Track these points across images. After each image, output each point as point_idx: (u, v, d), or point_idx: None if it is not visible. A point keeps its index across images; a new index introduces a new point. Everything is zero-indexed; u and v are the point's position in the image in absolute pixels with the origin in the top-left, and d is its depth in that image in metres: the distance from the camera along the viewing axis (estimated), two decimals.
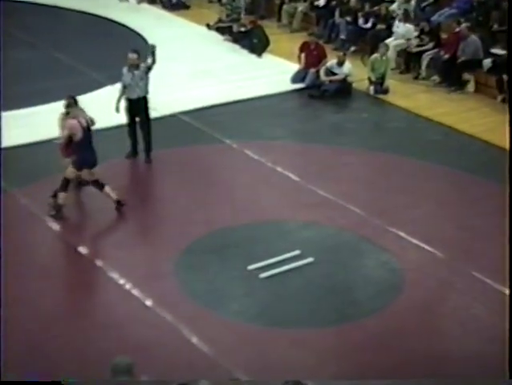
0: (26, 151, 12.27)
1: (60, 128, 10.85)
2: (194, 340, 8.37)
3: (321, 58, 15.83)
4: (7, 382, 7.01)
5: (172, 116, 13.92)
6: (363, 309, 9.08)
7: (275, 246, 10.10)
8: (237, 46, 17.88)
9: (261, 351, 8.30)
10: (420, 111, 14.53)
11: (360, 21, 17.74)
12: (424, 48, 16.27)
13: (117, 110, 12.11)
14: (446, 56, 15.69)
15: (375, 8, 17.83)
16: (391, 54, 16.12)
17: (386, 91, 15.35)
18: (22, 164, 11.95)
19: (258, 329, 8.67)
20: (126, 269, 9.57)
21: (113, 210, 10.70)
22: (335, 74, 15.36)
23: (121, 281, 9.34)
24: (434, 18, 17.17)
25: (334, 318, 8.88)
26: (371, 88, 15.36)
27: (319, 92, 15.21)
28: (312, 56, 15.84)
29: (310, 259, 9.85)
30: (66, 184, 10.44)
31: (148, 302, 8.98)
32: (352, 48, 17.42)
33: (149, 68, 11.97)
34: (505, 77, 14.43)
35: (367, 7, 17.96)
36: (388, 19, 17.28)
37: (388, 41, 16.42)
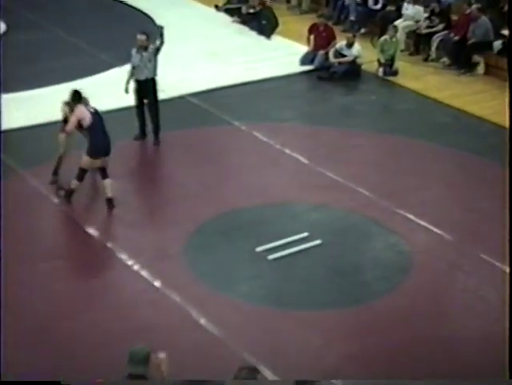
0: (35, 132, 12.27)
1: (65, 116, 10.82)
2: (202, 321, 8.40)
3: (330, 39, 15.76)
4: (7, 382, 7.05)
5: (181, 98, 13.90)
6: (371, 291, 9.09)
7: (284, 228, 10.11)
8: (245, 28, 17.81)
9: (269, 333, 8.33)
10: (429, 93, 14.47)
11: (370, 2, 17.62)
12: (434, 30, 16.18)
13: (126, 91, 12.12)
14: (456, 38, 15.61)
15: None
16: (400, 35, 16.04)
17: (395, 73, 15.28)
18: (31, 144, 11.97)
19: (265, 310, 8.70)
20: (135, 250, 9.60)
21: (122, 192, 10.72)
22: (344, 55, 15.30)
23: (130, 262, 9.38)
24: None
25: (341, 300, 8.90)
26: (381, 70, 15.30)
27: (328, 74, 15.16)
28: (321, 38, 15.77)
29: (318, 241, 9.86)
30: (82, 175, 10.33)
31: (157, 283, 9.01)
32: (362, 30, 17.32)
33: (158, 50, 11.97)
34: None
35: None
36: (398, 1, 17.16)
37: (397, 22, 16.32)
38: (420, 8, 16.61)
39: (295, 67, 15.51)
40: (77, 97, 10.52)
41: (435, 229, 10.18)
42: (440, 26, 16.16)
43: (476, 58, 15.38)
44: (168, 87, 13.40)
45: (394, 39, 15.48)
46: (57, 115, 11.24)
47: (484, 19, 15.40)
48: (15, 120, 12.39)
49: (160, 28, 12.07)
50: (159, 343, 7.72)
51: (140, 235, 10.01)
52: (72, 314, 8.51)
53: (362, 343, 8.21)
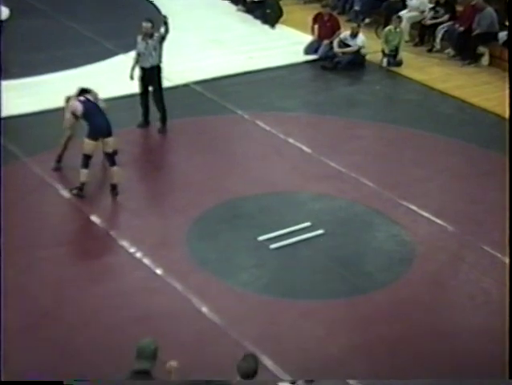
0: (38, 119, 12.25)
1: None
2: (204, 309, 8.40)
3: (334, 29, 15.71)
4: (7, 382, 7.05)
5: (185, 86, 13.88)
6: (374, 281, 9.08)
7: (286, 217, 10.10)
8: (250, 17, 17.76)
9: (270, 322, 8.33)
10: (433, 84, 14.43)
11: None
12: (438, 20, 16.12)
13: (131, 77, 12.12)
14: (461, 29, 15.56)
15: None
16: (404, 26, 15.99)
17: (399, 64, 15.24)
18: (34, 132, 11.95)
19: (267, 299, 8.70)
20: (137, 237, 9.60)
21: (125, 179, 10.71)
22: (348, 45, 15.26)
23: (132, 250, 9.38)
24: None
25: (343, 290, 8.90)
26: (385, 60, 15.26)
27: (332, 64, 15.12)
28: (326, 27, 15.72)
29: (320, 231, 9.85)
30: (86, 161, 10.36)
31: (159, 271, 9.01)
32: (366, 20, 17.26)
33: (163, 38, 11.95)
34: None
35: None
36: None
37: (402, 13, 16.27)
38: None
39: (299, 57, 15.48)
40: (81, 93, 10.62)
41: (438, 220, 10.17)
42: (445, 17, 16.10)
43: (481, 49, 15.33)
44: (173, 75, 13.38)
45: (398, 30, 15.43)
46: (60, 101, 11.22)
47: (489, 10, 15.34)
48: (18, 107, 12.37)
49: (164, 17, 12.06)
50: (160, 331, 7.77)
51: (142, 222, 10.00)
52: (74, 301, 8.52)
53: (364, 333, 8.22)
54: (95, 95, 10.67)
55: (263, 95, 13.81)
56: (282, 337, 8.11)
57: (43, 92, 13.08)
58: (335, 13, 16.80)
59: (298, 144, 12.00)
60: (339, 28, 15.77)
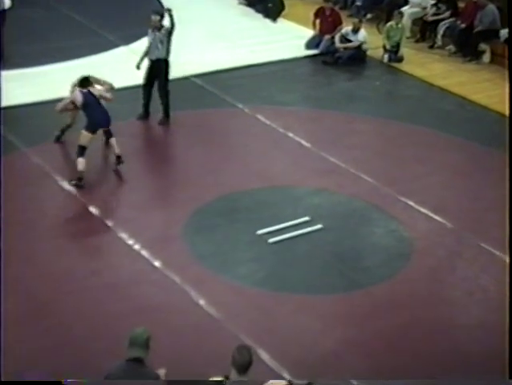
0: (38, 109, 12.23)
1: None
2: (201, 302, 8.41)
3: (336, 24, 15.69)
4: (7, 382, 7.05)
5: (186, 79, 13.86)
6: (372, 276, 9.09)
7: (285, 212, 10.10)
8: (251, 10, 17.73)
9: (267, 315, 8.33)
10: (434, 81, 14.43)
11: None
12: (440, 17, 16.11)
13: (137, 67, 12.18)
14: (463, 25, 15.54)
15: None
16: (406, 22, 15.97)
17: (400, 60, 15.23)
18: (34, 122, 11.95)
19: (265, 293, 8.70)
20: (135, 230, 9.60)
21: (125, 171, 10.72)
22: (349, 41, 15.25)
23: (130, 242, 9.38)
24: None
25: (341, 285, 8.91)
26: (386, 56, 15.25)
27: (333, 59, 15.11)
28: (327, 22, 15.70)
29: (319, 226, 9.85)
30: (82, 151, 10.43)
31: (157, 264, 9.01)
32: (368, 15, 17.23)
33: (170, 32, 11.96)
34: None
35: None
36: None
37: (403, 9, 16.26)
38: None
39: (300, 51, 15.47)
40: (84, 83, 10.67)
41: (436, 217, 10.17)
42: (447, 14, 16.08)
43: (482, 46, 15.32)
44: (174, 67, 13.28)
45: (400, 25, 15.41)
46: (61, 92, 11.23)
47: (491, 7, 15.33)
48: (19, 97, 12.37)
49: (169, 10, 12.04)
50: (157, 323, 7.77)
51: (141, 215, 10.00)
52: (72, 292, 8.52)
53: (361, 328, 8.23)
54: (99, 82, 10.73)
55: (264, 89, 13.80)
56: (279, 331, 8.12)
57: (44, 83, 13.07)
58: (336, 8, 16.78)
59: (298, 139, 11.99)
60: (340, 23, 15.75)
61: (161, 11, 12.19)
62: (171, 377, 6.18)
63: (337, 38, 15.37)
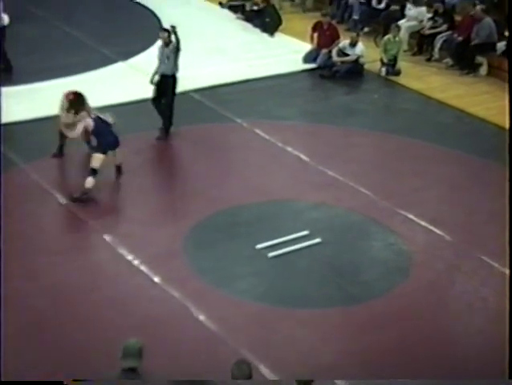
0: (37, 125, 12.25)
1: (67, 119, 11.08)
2: (201, 318, 8.40)
3: (334, 38, 15.76)
4: (7, 382, 7.05)
5: (183, 94, 13.85)
6: (370, 290, 9.08)
7: (284, 226, 10.11)
8: (249, 25, 17.81)
9: (267, 330, 8.33)
10: (432, 94, 14.47)
11: (374, 1, 17.62)
12: (437, 30, 16.18)
13: (151, 82, 12.36)
14: (460, 38, 15.61)
15: None
16: (403, 35, 16.04)
17: (398, 73, 15.28)
18: (33, 138, 11.96)
19: (265, 308, 8.69)
20: (135, 245, 9.60)
21: (123, 186, 10.73)
22: (347, 54, 15.30)
23: (130, 257, 9.38)
24: None
25: (340, 299, 8.90)
26: (383, 69, 15.30)
27: (331, 73, 15.15)
28: (325, 36, 15.77)
29: (318, 239, 9.86)
30: (94, 173, 10.55)
31: (156, 279, 9.01)
32: (365, 29, 17.32)
33: (177, 49, 12.08)
34: None
35: None
36: (402, 0, 17.16)
37: (400, 22, 16.33)
38: (422, 8, 16.64)
39: (298, 65, 15.52)
40: (82, 101, 10.94)
41: (435, 230, 10.18)
42: (444, 27, 16.16)
43: (479, 59, 15.38)
44: None
45: (397, 39, 15.48)
46: (59, 108, 11.22)
47: (488, 20, 15.40)
48: (17, 113, 12.38)
49: (173, 27, 12.13)
50: (157, 339, 7.77)
51: (140, 230, 10.00)
52: (71, 308, 8.51)
53: (361, 342, 8.21)
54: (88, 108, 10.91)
55: (262, 103, 13.83)
56: (279, 345, 8.11)
57: (42, 99, 13.09)
58: (334, 22, 16.85)
59: (296, 153, 12.02)
60: (338, 37, 15.81)
61: (168, 28, 12.29)
62: None
63: (334, 51, 15.43)
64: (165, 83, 12.23)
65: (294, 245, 9.73)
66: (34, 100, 13.10)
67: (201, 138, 12.51)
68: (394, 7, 17.13)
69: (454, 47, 15.69)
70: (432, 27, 16.29)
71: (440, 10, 16.36)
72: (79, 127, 10.85)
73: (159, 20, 17.28)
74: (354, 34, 15.56)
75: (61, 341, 8.00)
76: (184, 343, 8.02)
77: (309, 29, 16.13)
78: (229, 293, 8.88)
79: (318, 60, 15.51)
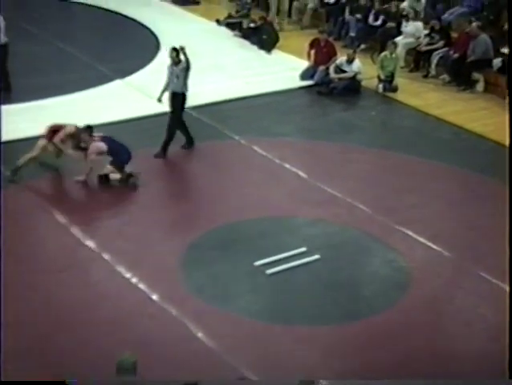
0: (34, 144, 12.24)
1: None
2: (199, 335, 8.38)
3: (331, 55, 15.80)
4: (7, 382, 7.02)
5: None
6: (369, 306, 9.06)
7: (282, 242, 10.10)
8: (246, 42, 17.87)
9: (266, 348, 8.30)
10: (429, 110, 14.50)
11: (370, 19, 17.70)
12: (434, 47, 16.24)
13: (158, 100, 12.49)
14: (456, 55, 15.66)
15: (386, 6, 17.81)
16: (400, 52, 16.10)
17: (395, 89, 15.32)
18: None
19: (263, 325, 8.67)
20: (133, 262, 9.58)
21: (122, 203, 10.73)
22: (344, 71, 15.34)
23: (127, 275, 9.36)
24: (445, 16, 17.15)
25: (339, 316, 8.88)
26: (380, 86, 15.34)
27: (328, 89, 15.19)
28: (322, 53, 15.81)
29: (316, 256, 9.85)
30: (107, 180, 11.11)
31: (154, 297, 8.99)
32: (362, 46, 17.38)
33: (187, 68, 12.13)
34: None
35: (377, 5, 17.93)
36: (398, 17, 17.24)
37: (397, 39, 16.39)
38: (419, 24, 16.71)
39: (295, 82, 15.55)
40: (78, 130, 11.20)
41: (434, 246, 10.17)
42: (440, 44, 16.22)
43: (475, 75, 15.43)
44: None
45: (394, 55, 15.53)
46: None
47: (484, 37, 15.46)
48: (16, 132, 12.38)
49: (182, 48, 12.17)
50: (155, 356, 7.74)
51: (138, 248, 9.99)
52: (70, 326, 8.48)
53: (359, 359, 8.19)
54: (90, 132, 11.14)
55: (259, 120, 13.86)
56: (278, 362, 8.08)
57: (40, 117, 13.08)
58: (331, 39, 16.90)
59: (294, 170, 12.03)
60: (335, 54, 15.86)
61: (177, 47, 12.35)
62: None
63: (332, 68, 15.47)
64: (174, 100, 12.31)
65: (292, 261, 9.72)
66: (33, 119, 13.04)
67: (198, 155, 12.51)
68: (390, 24, 17.20)
69: (450, 64, 15.75)
70: (428, 44, 16.36)
71: (437, 27, 16.44)
72: (93, 157, 11.05)
73: (156, 38, 17.36)
74: (351, 51, 15.62)
75: (58, 358, 7.96)
76: (183, 361, 7.98)
77: (306, 46, 16.19)
78: (228, 311, 8.86)
79: (316, 77, 15.55)
